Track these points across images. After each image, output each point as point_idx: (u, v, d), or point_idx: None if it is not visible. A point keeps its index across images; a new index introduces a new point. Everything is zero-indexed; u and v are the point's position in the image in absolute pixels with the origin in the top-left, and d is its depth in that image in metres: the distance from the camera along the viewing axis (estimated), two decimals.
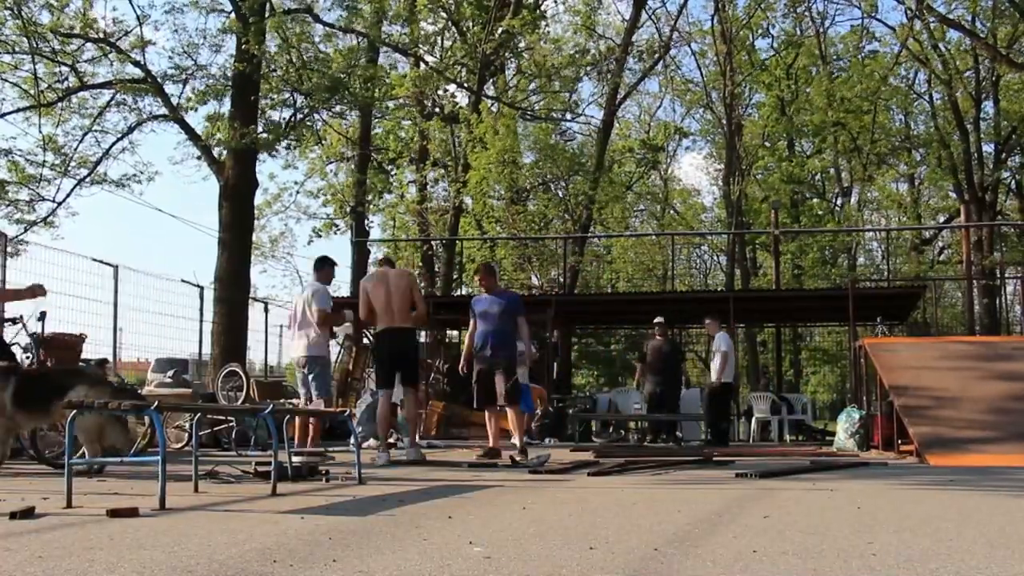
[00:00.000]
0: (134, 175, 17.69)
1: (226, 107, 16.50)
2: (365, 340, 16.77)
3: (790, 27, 28.24)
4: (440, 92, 22.21)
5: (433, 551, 2.85)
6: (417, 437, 8.43)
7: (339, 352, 14.87)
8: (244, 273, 15.95)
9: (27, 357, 7.79)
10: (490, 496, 4.89)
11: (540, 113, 25.21)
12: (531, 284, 24.78)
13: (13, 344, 7.60)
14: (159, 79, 16.23)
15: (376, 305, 7.99)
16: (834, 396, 31.81)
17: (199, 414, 7.12)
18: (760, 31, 28.31)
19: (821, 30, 28.01)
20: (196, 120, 18.66)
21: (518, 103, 23.87)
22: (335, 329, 9.61)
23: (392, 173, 26.27)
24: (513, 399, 8.16)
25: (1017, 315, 29.51)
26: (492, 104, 22.55)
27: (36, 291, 7.21)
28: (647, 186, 32.97)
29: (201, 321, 14.61)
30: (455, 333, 18.26)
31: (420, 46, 20.67)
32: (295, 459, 6.01)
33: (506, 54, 21.42)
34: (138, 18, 16.42)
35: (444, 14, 22.02)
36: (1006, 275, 26.77)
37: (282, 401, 12.86)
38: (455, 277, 23.49)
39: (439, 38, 23.78)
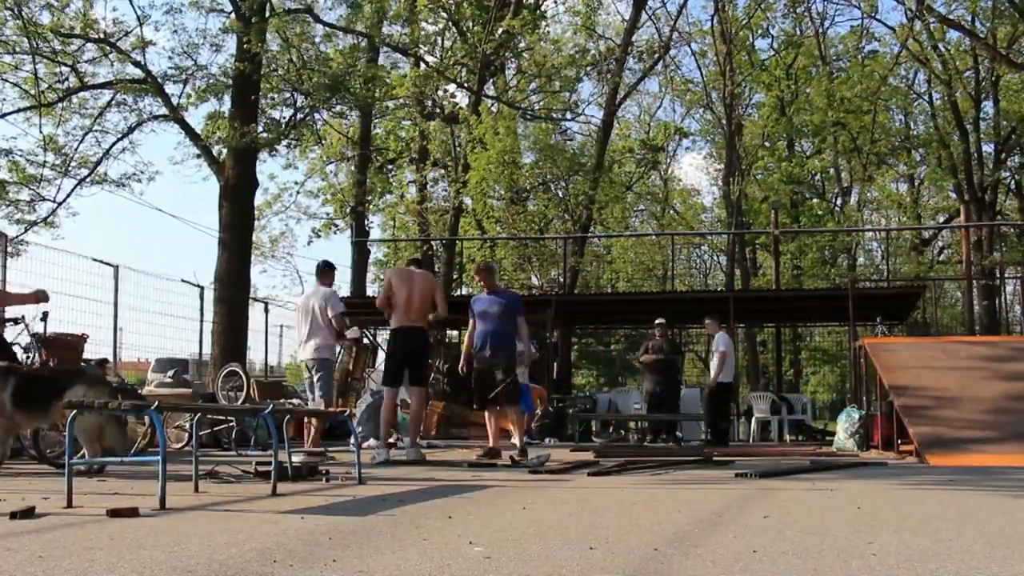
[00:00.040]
0: (134, 175, 17.74)
1: (226, 106, 16.53)
2: (365, 340, 16.80)
3: (790, 27, 28.26)
4: (440, 92, 22.21)
5: (433, 551, 2.85)
6: (417, 437, 8.43)
7: (339, 352, 14.83)
8: (244, 273, 15.96)
9: (28, 357, 7.80)
10: (490, 496, 4.89)
11: (540, 113, 25.20)
12: (531, 284, 24.77)
13: (15, 344, 7.61)
14: (159, 79, 16.24)
15: (398, 301, 8.01)
16: (834, 396, 31.81)
17: (199, 414, 7.12)
18: (760, 31, 28.32)
19: (821, 30, 28.04)
20: (196, 120, 18.72)
21: (518, 103, 23.87)
22: (346, 332, 9.78)
23: (392, 173, 26.27)
24: (513, 399, 8.16)
25: (1017, 315, 29.54)
26: (492, 104, 22.55)
27: (40, 296, 7.23)
28: (647, 186, 32.96)
29: (201, 321, 14.63)
30: (455, 333, 18.26)
31: (420, 46, 20.67)
32: (295, 459, 6.01)
33: (506, 54, 21.41)
34: (138, 18, 16.46)
35: (444, 14, 22.00)
36: (1006, 275, 26.78)
37: (282, 401, 12.87)
38: (455, 277, 23.47)
39: (439, 38, 23.78)
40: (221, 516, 3.84)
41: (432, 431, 13.11)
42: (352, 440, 7.10)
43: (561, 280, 22.82)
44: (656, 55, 25.55)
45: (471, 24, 21.68)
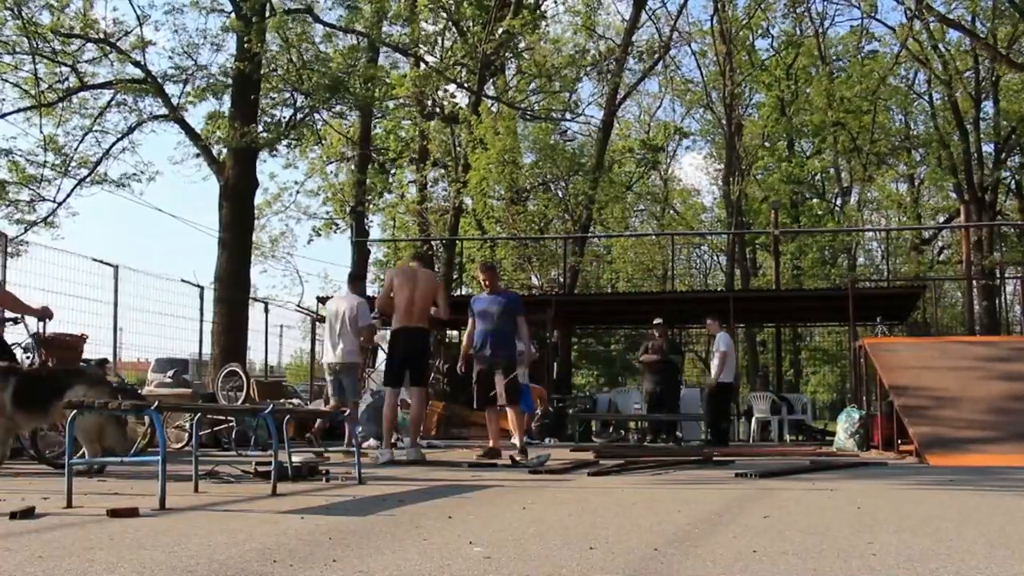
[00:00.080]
0: (134, 175, 17.73)
1: (226, 106, 16.53)
2: None
3: (790, 27, 28.28)
4: (440, 92, 22.21)
5: (433, 551, 2.85)
6: (417, 437, 8.43)
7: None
8: (244, 273, 15.96)
9: (27, 357, 7.79)
10: (490, 496, 4.89)
11: (540, 113, 25.20)
12: (531, 284, 24.77)
13: (14, 345, 7.61)
14: (159, 79, 16.25)
15: (399, 302, 7.99)
16: (834, 396, 31.81)
17: (199, 414, 7.12)
18: (760, 31, 28.34)
19: (821, 30, 28.05)
20: (196, 120, 18.70)
21: (518, 103, 23.88)
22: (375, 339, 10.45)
23: (392, 173, 26.27)
24: (513, 399, 8.16)
25: (1017, 315, 29.55)
26: (492, 104, 22.55)
27: (45, 313, 7.25)
28: (647, 186, 32.97)
29: (201, 321, 14.62)
30: (455, 333, 18.26)
31: (420, 46, 20.67)
32: (295, 459, 6.01)
33: (506, 54, 21.41)
34: (138, 18, 16.46)
35: (444, 14, 22.01)
36: (1006, 275, 26.78)
37: (282, 401, 12.89)
38: (455, 277, 23.47)
39: (439, 38, 23.79)
40: (221, 516, 3.84)
41: (432, 431, 13.11)
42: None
43: (561, 280, 22.82)
44: (656, 55, 25.56)
45: (471, 24, 21.68)
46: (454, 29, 22.75)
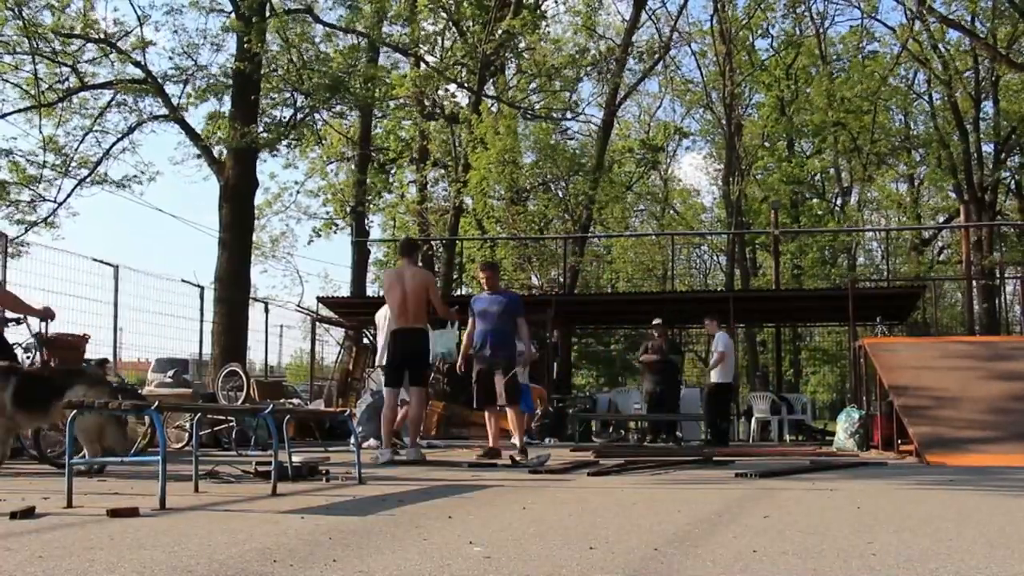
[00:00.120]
0: (135, 175, 17.75)
1: (226, 106, 16.54)
2: (365, 340, 16.80)
3: (790, 27, 28.27)
4: (440, 92, 22.22)
5: (433, 551, 2.85)
6: (417, 437, 8.43)
7: (339, 352, 14.82)
8: (244, 273, 15.97)
9: (28, 357, 7.80)
10: (490, 496, 4.89)
11: (540, 113, 25.22)
12: (531, 284, 24.78)
13: (15, 345, 7.61)
14: (159, 79, 16.26)
15: (392, 305, 7.97)
16: (834, 396, 31.81)
17: (199, 414, 7.12)
18: (760, 31, 28.33)
19: (821, 30, 28.05)
20: (196, 120, 18.73)
21: (518, 103, 23.88)
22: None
23: (392, 173, 26.28)
24: (513, 399, 8.16)
25: (1017, 315, 29.56)
26: (492, 104, 22.56)
27: (47, 314, 7.26)
28: (647, 186, 32.98)
29: (201, 321, 14.62)
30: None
31: (420, 46, 20.68)
32: (295, 458, 6.01)
33: (506, 54, 21.42)
34: (139, 19, 16.47)
35: (444, 14, 22.02)
36: (1006, 275, 26.78)
37: (282, 401, 12.89)
38: (455, 277, 23.50)
39: (439, 38, 23.80)
40: (221, 516, 3.84)
41: (432, 431, 13.11)
42: (352, 440, 7.10)
43: (561, 280, 22.83)
44: (656, 55, 25.57)
45: (471, 24, 21.69)
46: (454, 29, 22.77)
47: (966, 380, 9.89)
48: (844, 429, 11.44)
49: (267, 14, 15.48)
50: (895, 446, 9.86)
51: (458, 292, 22.06)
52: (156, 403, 5.19)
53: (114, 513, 3.62)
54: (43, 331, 8.03)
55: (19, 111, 16.86)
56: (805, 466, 7.33)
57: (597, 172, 23.69)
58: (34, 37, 15.73)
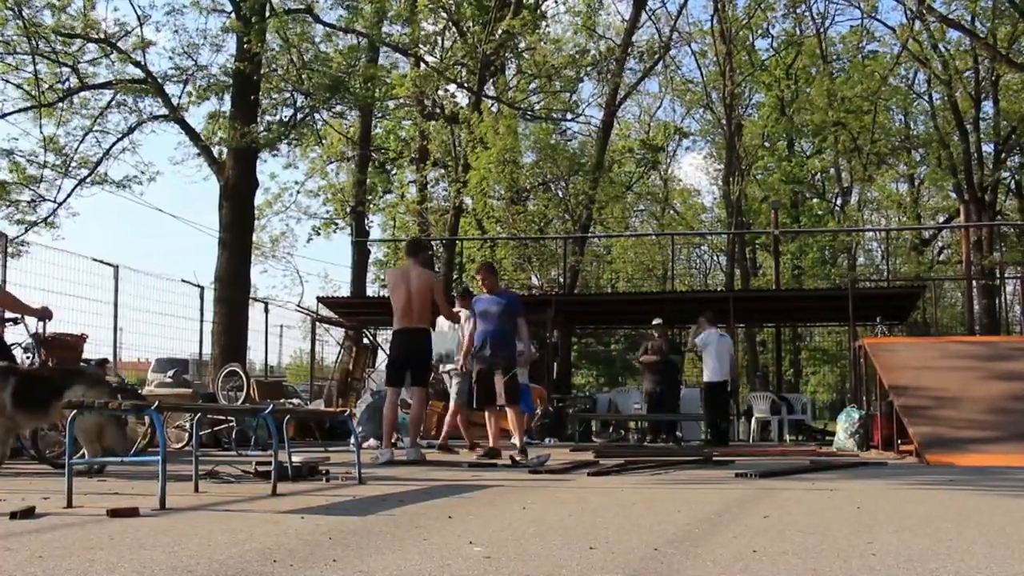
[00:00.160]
0: (135, 176, 17.76)
1: (226, 106, 16.54)
2: (365, 340, 16.80)
3: (790, 27, 28.29)
4: (440, 92, 22.22)
5: (433, 551, 2.85)
6: (417, 437, 8.42)
7: (339, 352, 14.78)
8: (244, 273, 15.96)
9: (27, 357, 7.80)
10: (490, 496, 4.89)
11: (540, 113, 25.22)
12: (531, 284, 24.78)
13: (14, 345, 7.61)
14: (160, 79, 16.26)
15: (396, 304, 7.97)
16: (834, 396, 31.82)
17: (199, 414, 7.12)
18: (760, 31, 28.35)
19: (821, 30, 28.05)
20: (196, 120, 18.73)
21: (518, 103, 23.89)
22: None
23: (392, 173, 26.29)
24: (513, 399, 8.16)
25: (1017, 315, 29.57)
26: (492, 104, 22.56)
27: (44, 313, 7.27)
28: (647, 186, 32.98)
29: (201, 321, 14.63)
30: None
31: (420, 46, 20.67)
32: (295, 458, 6.01)
33: (506, 54, 21.42)
34: (139, 19, 16.47)
35: (444, 14, 22.02)
36: (1006, 275, 26.79)
37: (282, 401, 12.89)
38: (455, 277, 23.49)
39: (439, 38, 23.80)
40: (221, 516, 3.84)
41: (432, 431, 13.10)
42: (352, 440, 7.10)
43: (561, 280, 22.83)
44: (656, 55, 25.57)
45: (471, 24, 21.69)
46: (454, 29, 22.76)
47: (966, 380, 9.89)
48: (844, 429, 11.44)
49: (267, 14, 15.48)
50: (895, 446, 9.86)
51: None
52: (156, 403, 5.19)
53: (114, 513, 3.62)
54: (41, 331, 8.04)
55: (19, 111, 16.86)
56: (805, 466, 7.33)
57: (597, 172, 23.68)
58: (34, 37, 15.73)
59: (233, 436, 9.97)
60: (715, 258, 36.65)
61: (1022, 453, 8.17)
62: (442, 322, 10.00)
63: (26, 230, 16.49)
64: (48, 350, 7.92)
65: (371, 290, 24.89)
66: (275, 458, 5.02)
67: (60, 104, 16.98)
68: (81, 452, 5.80)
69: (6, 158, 16.68)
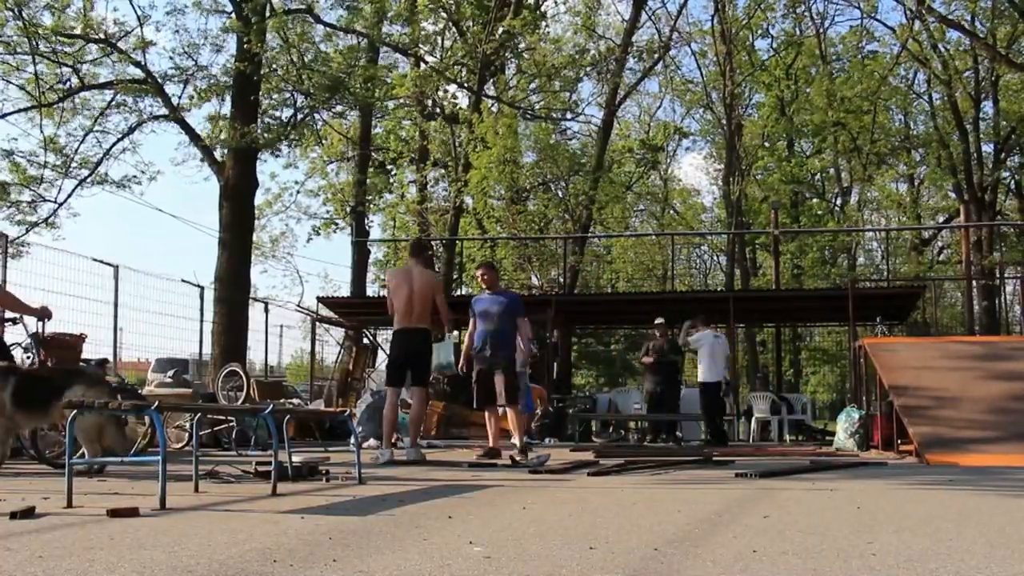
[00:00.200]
0: (135, 176, 17.78)
1: (227, 107, 16.54)
2: (365, 340, 16.80)
3: (790, 27, 28.29)
4: (440, 92, 22.22)
5: (433, 551, 2.85)
6: (417, 437, 8.42)
7: (339, 352, 14.77)
8: (244, 273, 15.97)
9: (27, 357, 7.80)
10: (490, 496, 4.89)
11: (540, 113, 25.22)
12: (531, 284, 24.78)
13: (13, 345, 7.61)
14: (160, 80, 16.27)
15: (397, 304, 7.96)
16: (834, 396, 31.82)
17: (199, 414, 7.12)
18: (760, 31, 28.34)
19: (821, 30, 28.05)
20: (197, 120, 18.73)
21: (518, 103, 23.89)
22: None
23: (392, 173, 26.29)
24: (513, 399, 8.16)
25: (1017, 315, 29.58)
26: (492, 104, 22.56)
27: (44, 313, 7.27)
28: (647, 186, 32.99)
29: (201, 321, 14.63)
30: (455, 333, 18.27)
31: (420, 46, 20.68)
32: (295, 458, 6.01)
33: (506, 54, 21.41)
34: (139, 19, 16.48)
35: (444, 14, 22.02)
36: (1006, 275, 26.79)
37: (282, 401, 12.89)
38: (455, 277, 23.50)
39: (439, 38, 23.80)
40: (221, 516, 3.84)
41: (432, 431, 13.11)
42: (352, 440, 7.10)
43: (561, 280, 22.82)
44: (656, 55, 25.58)
45: (471, 24, 21.69)
46: (454, 29, 22.76)
47: (966, 380, 9.89)
48: (844, 429, 11.43)
49: (267, 14, 15.48)
50: (895, 446, 9.86)
51: (458, 292, 22.07)
52: (156, 403, 5.19)
53: (114, 513, 3.62)
54: (40, 331, 8.04)
55: (20, 111, 16.88)
56: (805, 466, 7.33)
57: (597, 172, 23.68)
58: (34, 37, 15.74)
59: (233, 436, 9.97)
60: (715, 258, 36.68)
61: (1022, 453, 8.17)
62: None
63: (26, 230, 16.52)
64: (47, 350, 7.92)
65: (371, 290, 24.91)
66: (275, 458, 5.02)
67: (60, 104, 17.00)
68: (81, 452, 5.80)
69: (6, 158, 16.71)
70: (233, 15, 16.04)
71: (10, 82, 16.59)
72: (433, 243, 22.63)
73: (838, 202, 32.30)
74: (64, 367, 7.36)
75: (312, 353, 19.04)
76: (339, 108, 19.76)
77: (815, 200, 32.31)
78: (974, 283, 23.88)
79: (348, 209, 24.04)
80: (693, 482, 6.05)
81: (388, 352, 9.30)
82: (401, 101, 23.05)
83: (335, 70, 16.84)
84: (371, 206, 25.01)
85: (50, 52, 16.16)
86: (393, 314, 8.06)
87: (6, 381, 5.83)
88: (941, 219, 32.36)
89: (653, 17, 25.89)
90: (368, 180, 23.05)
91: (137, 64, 16.21)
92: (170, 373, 12.30)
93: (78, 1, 16.05)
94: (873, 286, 23.31)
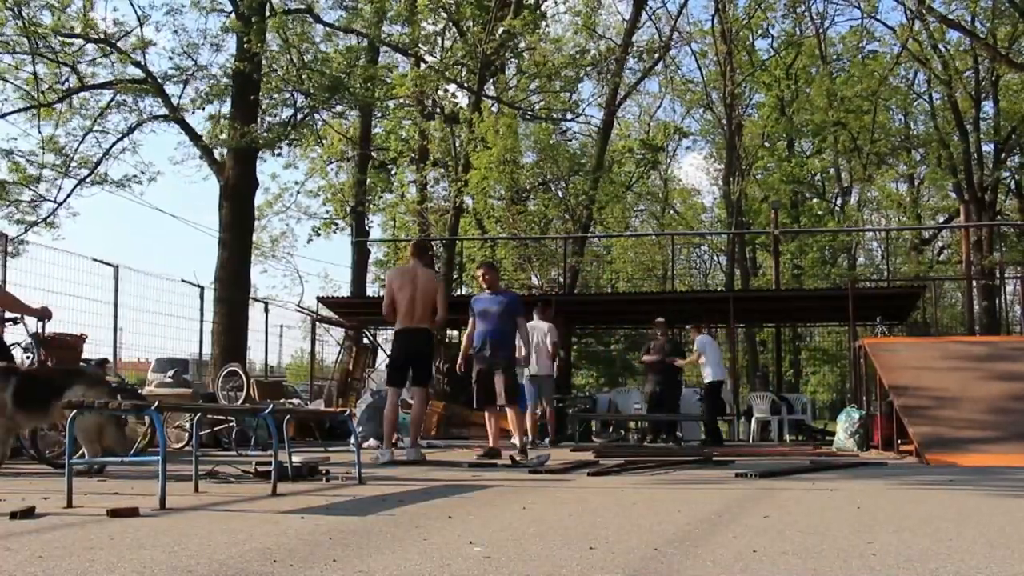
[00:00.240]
0: (135, 176, 17.78)
1: (227, 107, 16.54)
2: (365, 340, 16.79)
3: (790, 27, 28.29)
4: (440, 92, 22.21)
5: (433, 551, 2.85)
6: (418, 437, 8.42)
7: (339, 352, 14.75)
8: (244, 273, 15.97)
9: (27, 357, 7.80)
10: (490, 496, 4.89)
11: (540, 113, 25.21)
12: (531, 284, 24.78)
13: (13, 345, 7.61)
14: (159, 79, 16.27)
15: (400, 305, 7.95)
16: (834, 396, 31.82)
17: (199, 414, 7.12)
18: (760, 31, 28.34)
19: (821, 30, 28.06)
20: (196, 120, 18.72)
21: (518, 103, 23.88)
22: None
23: (392, 173, 26.28)
24: (513, 399, 8.16)
25: (1017, 315, 29.57)
26: (492, 104, 22.55)
27: (44, 313, 7.27)
28: (647, 186, 32.99)
29: (201, 321, 14.63)
30: (455, 333, 18.28)
31: (420, 46, 20.68)
32: (295, 458, 6.01)
33: (506, 54, 21.41)
34: (139, 19, 16.50)
35: (444, 14, 22.01)
36: (1006, 275, 26.79)
37: (282, 401, 12.89)
38: (455, 277, 23.49)
39: (439, 38, 23.79)
40: (221, 516, 3.84)
41: (432, 431, 13.11)
42: (352, 440, 7.09)
43: (561, 280, 22.82)
44: (656, 55, 25.56)
45: (471, 24, 21.68)
46: (454, 29, 22.75)
47: (966, 380, 9.89)
48: (844, 429, 11.43)
49: (267, 14, 15.48)
50: (895, 446, 9.86)
51: (458, 292, 22.06)
52: (156, 403, 5.19)
53: (114, 513, 3.62)
54: (40, 331, 8.04)
55: (19, 111, 16.87)
56: (805, 466, 7.33)
57: (597, 172, 23.68)
58: (34, 37, 15.74)
59: (233, 436, 9.97)
60: (715, 258, 36.69)
61: (1022, 453, 8.17)
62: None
63: (26, 230, 16.52)
64: (48, 350, 7.92)
65: (371, 290, 24.90)
66: (275, 458, 5.02)
67: (60, 104, 17.00)
68: (81, 452, 5.80)
69: (6, 158, 16.71)
70: (232, 15, 16.04)
71: (9, 82, 16.60)
72: (433, 243, 22.64)
73: (838, 202, 32.30)
74: (64, 367, 7.36)
75: (312, 353, 19.05)
76: (339, 108, 19.77)
77: (815, 200, 32.31)
78: (974, 283, 23.89)
79: (348, 209, 24.04)
80: (693, 482, 6.05)
81: (389, 352, 9.30)
82: (401, 101, 23.05)
83: (335, 70, 16.84)
84: (371, 206, 25.01)
85: (49, 52, 16.15)
86: (388, 314, 8.05)
87: (6, 381, 5.83)
88: (941, 219, 32.37)
89: (653, 17, 25.94)
90: (368, 180, 23.05)
91: (137, 64, 16.22)
92: (170, 373, 12.31)
93: (78, 1, 16.07)
94: (873, 286, 23.31)
